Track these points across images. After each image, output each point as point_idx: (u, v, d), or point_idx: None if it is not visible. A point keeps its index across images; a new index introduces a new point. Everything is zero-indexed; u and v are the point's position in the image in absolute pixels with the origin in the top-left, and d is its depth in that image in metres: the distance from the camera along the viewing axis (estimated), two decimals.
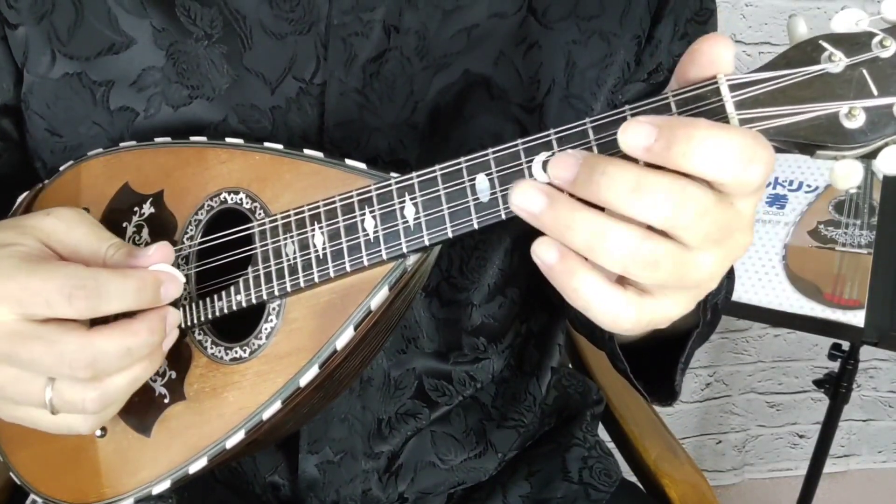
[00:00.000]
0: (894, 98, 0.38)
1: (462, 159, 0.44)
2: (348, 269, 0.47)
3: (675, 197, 0.35)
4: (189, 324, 0.52)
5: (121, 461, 0.53)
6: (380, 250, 0.46)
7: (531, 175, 0.42)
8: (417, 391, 0.66)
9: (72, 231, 0.48)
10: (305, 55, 0.57)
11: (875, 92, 0.37)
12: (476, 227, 0.44)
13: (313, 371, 0.47)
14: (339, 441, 0.64)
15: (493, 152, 0.43)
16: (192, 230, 0.53)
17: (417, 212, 0.45)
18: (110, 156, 0.58)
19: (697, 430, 1.91)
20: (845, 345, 1.26)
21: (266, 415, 0.48)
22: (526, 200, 0.38)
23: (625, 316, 0.39)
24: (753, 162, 0.35)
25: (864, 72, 0.38)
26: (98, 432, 0.54)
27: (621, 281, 0.39)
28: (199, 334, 0.52)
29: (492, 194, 0.43)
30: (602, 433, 0.85)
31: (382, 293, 0.47)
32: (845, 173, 0.39)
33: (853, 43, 0.38)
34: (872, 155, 0.38)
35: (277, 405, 0.48)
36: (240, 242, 0.51)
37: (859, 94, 0.38)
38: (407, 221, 0.45)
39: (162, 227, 0.54)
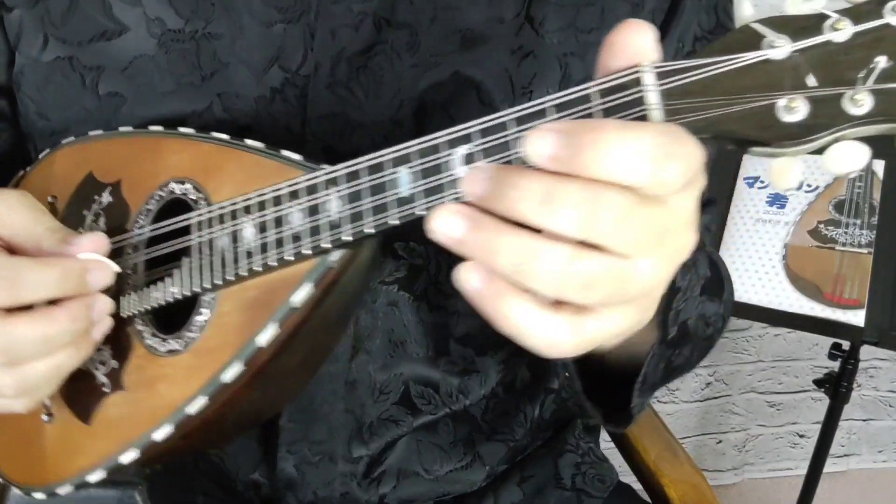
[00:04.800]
0: (844, 88, 0.33)
1: (387, 150, 0.41)
2: (273, 262, 0.46)
3: (589, 205, 0.33)
4: (132, 313, 0.52)
5: (63, 447, 0.53)
6: (303, 244, 0.44)
7: (450, 169, 0.39)
8: (402, 397, 0.64)
9: (12, 214, 0.48)
10: (293, 45, 0.56)
11: (821, 81, 0.33)
12: (397, 222, 0.41)
13: (237, 368, 0.46)
14: (319, 443, 0.64)
15: (417, 144, 0.41)
16: (142, 220, 0.53)
17: (342, 205, 0.43)
18: (80, 144, 0.58)
19: (697, 430, 1.91)
20: (845, 344, 1.26)
21: (192, 410, 0.47)
22: (445, 226, 0.36)
23: (561, 339, 0.36)
24: (669, 160, 0.33)
25: (811, 58, 0.34)
26: (45, 417, 0.54)
27: (557, 300, 0.36)
28: (141, 324, 0.52)
29: (412, 189, 0.40)
30: (602, 433, 0.84)
31: (306, 290, 0.45)
32: (780, 170, 0.35)
33: (802, 26, 0.34)
34: (817, 153, 0.35)
35: (203, 401, 0.47)
36: (188, 232, 0.51)
37: (802, 83, 0.34)
38: (330, 215, 0.43)
39: (116, 217, 0.54)
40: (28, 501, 0.53)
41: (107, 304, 0.49)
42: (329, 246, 0.44)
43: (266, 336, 0.45)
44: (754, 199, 1.28)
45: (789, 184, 0.35)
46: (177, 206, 0.52)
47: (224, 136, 0.51)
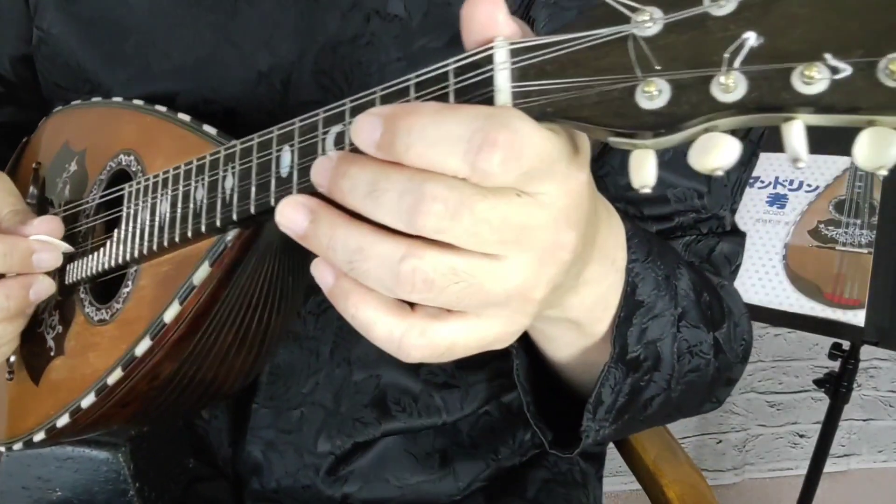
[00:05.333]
0: (711, 70, 0.27)
1: (275, 128, 0.39)
2: (177, 239, 0.45)
3: (411, 196, 0.30)
4: (76, 280, 0.53)
5: (19, 405, 0.55)
6: (201, 221, 0.44)
7: (325, 149, 0.36)
8: (377, 399, 0.63)
9: None
10: (284, 30, 0.57)
11: (686, 62, 0.28)
12: (273, 203, 0.38)
13: (146, 343, 0.46)
14: (287, 432, 0.63)
15: (300, 120, 0.38)
16: (96, 189, 0.54)
17: (234, 182, 0.41)
18: (65, 112, 0.60)
19: (698, 430, 1.91)
20: (845, 344, 1.26)
21: (110, 380, 0.47)
22: (286, 219, 0.34)
23: (410, 343, 0.33)
24: (486, 148, 0.29)
25: (684, 36, 0.28)
26: (7, 375, 0.56)
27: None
28: (83, 292, 0.53)
29: (290, 169, 0.38)
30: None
31: (203, 269, 0.44)
32: (635, 163, 0.30)
33: None
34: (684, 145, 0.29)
35: (119, 373, 0.47)
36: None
37: (667, 64, 0.28)
38: (225, 192, 0.42)
39: (77, 185, 0.56)
40: (18, 458, 0.54)
41: (46, 286, 0.50)
42: (220, 225, 0.42)
43: (171, 313, 0.45)
44: (754, 199, 1.28)
45: (644, 181, 0.30)
46: (125, 176, 0.53)
47: (162, 109, 0.52)
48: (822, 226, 1.21)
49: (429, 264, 0.31)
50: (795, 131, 0.27)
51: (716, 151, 0.28)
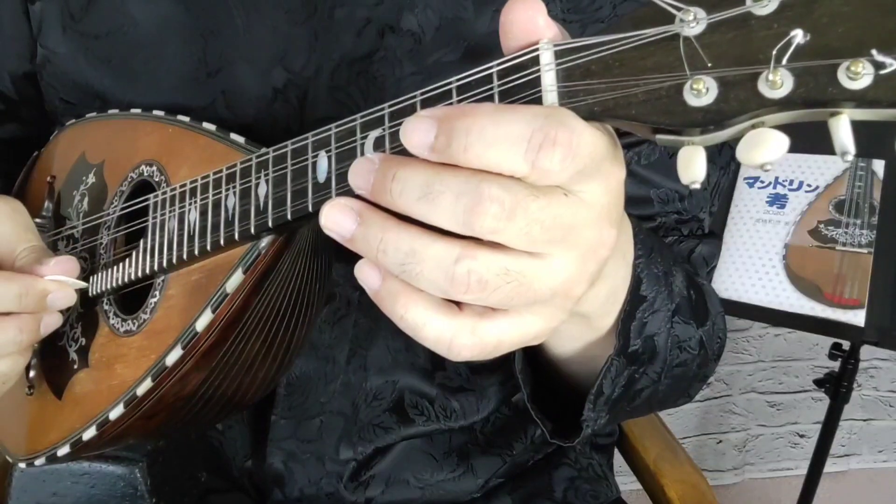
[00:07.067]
0: (759, 67, 0.28)
1: (310, 134, 0.40)
2: (208, 247, 0.45)
3: (468, 198, 0.30)
4: (99, 292, 0.53)
5: (40, 420, 0.54)
6: (234, 229, 0.44)
7: (363, 154, 0.36)
8: (395, 405, 0.63)
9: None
10: (298, 46, 0.57)
11: (734, 60, 0.29)
12: (311, 209, 0.39)
13: (177, 352, 0.46)
14: (308, 442, 0.64)
15: (336, 126, 0.38)
16: (116, 200, 0.54)
17: (267, 189, 0.42)
18: (79, 126, 0.60)
19: (698, 430, 1.91)
20: (846, 344, 1.26)
21: (140, 391, 0.47)
22: (333, 223, 0.34)
23: (459, 343, 0.34)
24: (547, 147, 0.30)
25: (728, 35, 0.29)
26: (26, 390, 0.56)
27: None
28: (107, 304, 0.53)
29: (328, 174, 0.38)
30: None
31: (237, 276, 0.44)
32: (685, 160, 0.30)
33: None
34: (733, 141, 0.30)
35: (148, 383, 0.47)
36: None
37: (714, 62, 0.29)
38: (258, 199, 0.42)
39: (96, 197, 0.56)
40: (32, 474, 0.54)
41: (55, 320, 0.50)
42: (254, 232, 0.42)
43: (203, 321, 0.45)
44: (754, 199, 1.28)
45: (695, 177, 0.30)
46: (146, 187, 0.53)
47: (185, 119, 0.52)
48: (822, 226, 1.21)
49: (482, 265, 0.32)
50: (843, 126, 0.28)
51: (764, 146, 0.28)
